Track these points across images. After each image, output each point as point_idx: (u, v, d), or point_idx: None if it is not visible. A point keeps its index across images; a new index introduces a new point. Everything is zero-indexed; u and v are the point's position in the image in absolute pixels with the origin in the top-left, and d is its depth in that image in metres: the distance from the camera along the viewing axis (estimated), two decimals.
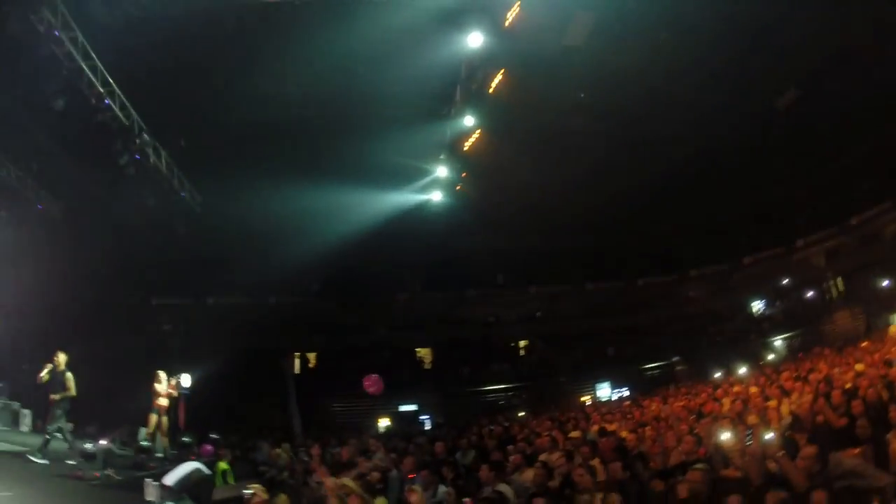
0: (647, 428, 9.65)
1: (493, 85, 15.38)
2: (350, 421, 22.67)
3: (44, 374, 9.88)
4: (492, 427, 14.70)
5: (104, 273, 18.45)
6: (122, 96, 12.53)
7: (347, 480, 6.25)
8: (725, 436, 6.14)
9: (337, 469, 9.74)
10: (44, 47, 11.14)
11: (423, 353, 28.09)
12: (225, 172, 16.52)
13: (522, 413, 22.45)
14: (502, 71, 15.08)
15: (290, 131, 16.27)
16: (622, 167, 20.31)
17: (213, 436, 13.35)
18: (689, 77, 16.38)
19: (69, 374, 9.87)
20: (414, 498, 5.98)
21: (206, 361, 16.81)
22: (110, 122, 12.48)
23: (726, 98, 17.35)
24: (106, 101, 12.02)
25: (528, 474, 7.06)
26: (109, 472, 8.89)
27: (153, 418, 11.39)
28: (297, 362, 26.21)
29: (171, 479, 6.85)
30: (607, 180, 20.79)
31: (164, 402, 11.58)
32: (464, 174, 19.45)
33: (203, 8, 11.83)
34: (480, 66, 14.87)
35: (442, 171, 19.25)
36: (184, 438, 12.85)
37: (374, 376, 15.60)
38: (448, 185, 20.00)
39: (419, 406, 25.29)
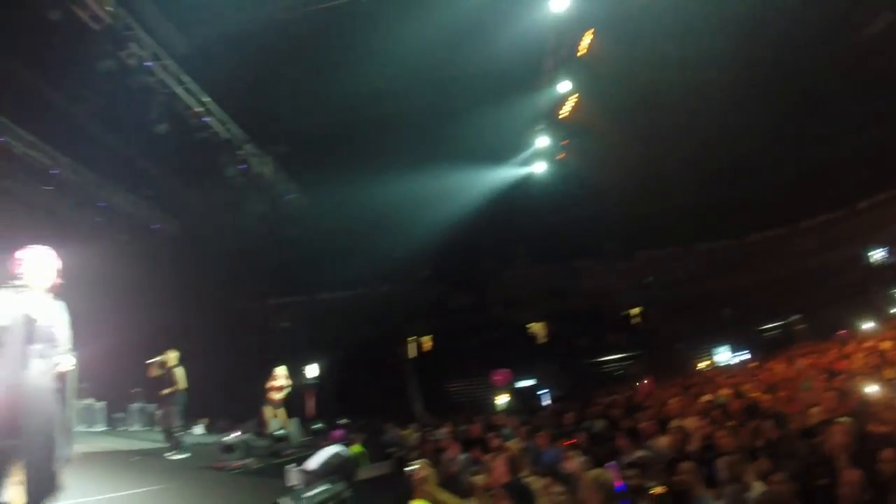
0: (779, 389, 9.24)
1: (583, 47, 15.07)
2: (468, 400, 23.05)
3: (155, 370, 10.58)
4: (615, 396, 14.57)
5: (223, 281, 19.69)
6: (219, 112, 13.38)
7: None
8: (871, 390, 5.77)
9: (468, 445, 9.99)
10: (138, 79, 12.15)
11: (536, 327, 27.91)
12: (328, 171, 17.11)
13: (645, 381, 21.92)
14: (591, 31, 14.74)
15: (387, 122, 16.62)
16: (722, 118, 19.23)
17: (343, 421, 14.04)
18: (792, 17, 15.34)
19: (179, 369, 10.41)
20: (572, 464, 6.00)
21: (327, 353, 17.71)
22: (212, 137, 13.38)
23: (831, 31, 16.17)
24: (204, 119, 12.90)
25: (664, 440, 6.98)
26: (249, 461, 9.56)
27: (268, 411, 11.91)
28: (412, 346, 26.87)
29: (313, 463, 7.15)
30: (706, 134, 19.76)
31: (277, 395, 12.01)
32: (564, 142, 19.16)
33: (285, 8, 12.36)
34: (568, 29, 14.56)
35: (542, 142, 18.98)
36: (315, 425, 13.59)
37: (505, 371, 15.82)
38: (549, 155, 19.73)
39: (536, 381, 25.21)
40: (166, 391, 10.38)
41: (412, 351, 26.56)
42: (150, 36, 11.74)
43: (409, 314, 25.45)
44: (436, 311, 26.08)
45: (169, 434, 10.44)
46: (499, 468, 6.33)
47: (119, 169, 15.39)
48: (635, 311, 29.11)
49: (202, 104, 12.95)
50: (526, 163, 19.90)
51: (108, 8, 11.17)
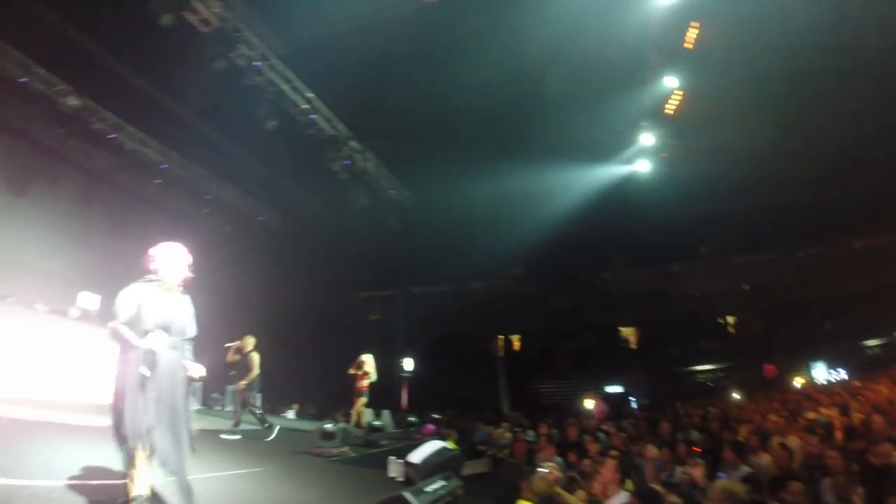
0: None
1: (690, 40, 14.45)
2: (556, 402, 22.72)
3: (231, 355, 10.83)
4: (710, 408, 14.09)
5: (319, 272, 20.26)
6: (324, 108, 13.82)
7: None
8: None
9: (564, 448, 9.83)
10: (246, 78, 12.69)
11: (627, 332, 27.19)
12: (428, 166, 17.30)
13: (737, 395, 20.86)
14: (697, 24, 14.17)
15: (487, 117, 16.52)
16: (831, 110, 17.80)
17: (435, 416, 14.14)
18: None
19: (255, 355, 10.60)
20: (697, 471, 5.98)
21: (417, 347, 17.92)
22: (317, 134, 13.84)
23: None
24: (311, 116, 13.36)
25: (766, 457, 6.80)
26: (346, 449, 9.72)
27: (359, 401, 11.78)
28: (503, 345, 26.73)
29: (416, 456, 7.20)
30: (813, 129, 18.44)
31: (362, 383, 11.83)
32: (667, 140, 18.29)
33: (385, 5, 12.55)
34: (673, 22, 14.09)
35: (646, 139, 18.24)
36: (409, 418, 13.73)
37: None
38: (653, 154, 18.98)
39: (624, 387, 24.50)
40: (243, 383, 10.59)
41: (502, 349, 26.48)
42: (256, 37, 12.21)
43: (500, 312, 25.28)
44: (527, 311, 25.77)
45: (258, 418, 10.71)
46: (607, 474, 6.16)
47: (225, 164, 16.27)
48: (731, 318, 27.85)
49: (308, 101, 13.43)
50: (629, 161, 19.16)
51: (215, 11, 11.71)
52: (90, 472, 5.32)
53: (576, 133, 16.97)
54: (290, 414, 16.47)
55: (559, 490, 5.47)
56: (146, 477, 4.01)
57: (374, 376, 11.77)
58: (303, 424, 13.27)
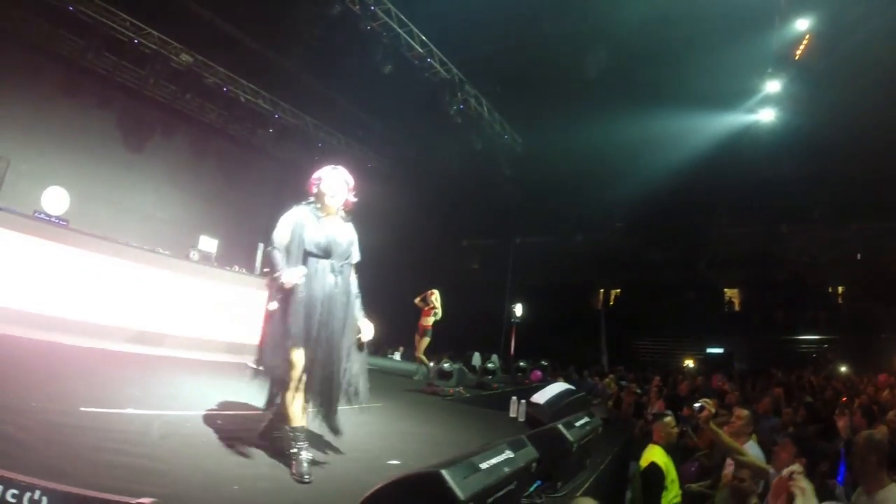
0: None
1: None
2: (654, 360, 22.21)
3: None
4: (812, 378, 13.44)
5: (423, 219, 20.46)
6: (440, 54, 13.79)
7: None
8: None
9: (674, 403, 9.60)
10: (363, 23, 12.70)
11: (731, 293, 26.07)
12: (540, 113, 16.97)
13: (843, 368, 19.63)
14: None
15: (604, 65, 16.01)
16: None
17: (543, 363, 14.14)
18: None
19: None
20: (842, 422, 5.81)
21: (520, 296, 17.93)
22: (433, 78, 13.85)
23: None
24: (428, 60, 13.34)
25: (882, 429, 6.27)
26: (460, 388, 9.83)
27: (424, 341, 11.10)
28: (602, 298, 26.38)
29: (540, 397, 7.14)
30: None
31: (427, 319, 11.10)
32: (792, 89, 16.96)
33: None
34: None
35: (772, 87, 16.96)
36: (520, 363, 13.77)
37: None
38: (777, 102, 17.66)
39: (724, 350, 23.62)
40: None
41: (604, 303, 26.09)
42: None
43: (601, 265, 24.83)
44: (629, 265, 25.14)
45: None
46: (739, 424, 5.96)
47: (334, 113, 16.61)
48: (840, 288, 25.98)
49: (424, 45, 13.42)
50: (750, 110, 17.93)
51: None
52: (221, 404, 5.54)
53: (695, 80, 16.09)
54: (397, 356, 17.12)
55: (714, 427, 5.25)
56: (295, 412, 3.85)
57: (440, 314, 11.19)
58: (407, 366, 13.55)
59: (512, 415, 8.08)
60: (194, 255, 12.94)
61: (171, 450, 3.72)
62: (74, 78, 14.23)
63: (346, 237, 4.14)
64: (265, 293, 11.99)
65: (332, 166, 4.25)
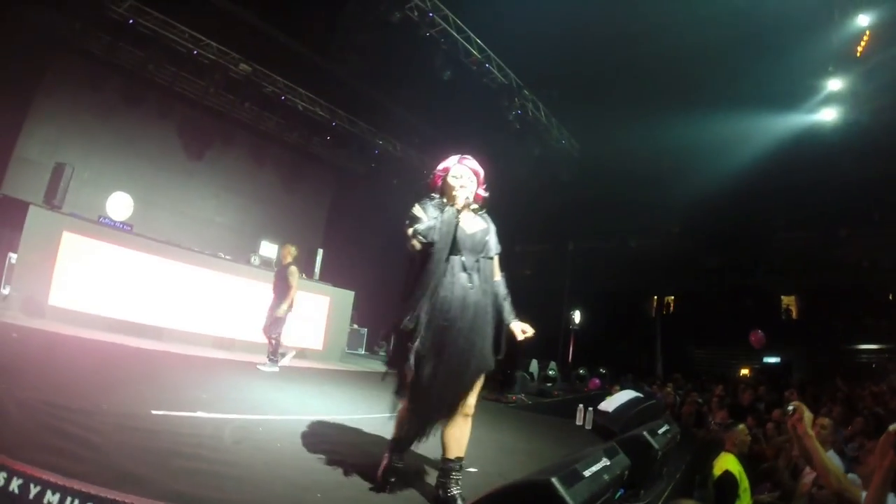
0: None
1: None
2: (710, 369, 21.72)
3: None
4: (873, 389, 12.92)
5: None
6: (497, 59, 13.89)
7: None
8: None
9: (737, 413, 9.45)
10: (421, 30, 12.87)
11: (788, 300, 25.32)
12: (598, 118, 16.81)
13: None
14: None
15: (660, 66, 15.64)
16: None
17: (602, 370, 14.05)
18: None
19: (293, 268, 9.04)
20: None
21: (571, 304, 17.79)
22: (491, 83, 13.97)
23: None
24: (486, 66, 13.46)
25: None
26: (522, 395, 9.84)
27: None
28: (657, 305, 25.99)
29: (609, 405, 7.10)
30: None
31: None
32: (855, 87, 15.93)
33: None
34: None
35: (833, 85, 16.16)
36: (580, 371, 13.71)
37: (760, 333, 14.81)
38: (839, 101, 16.79)
39: (781, 359, 22.96)
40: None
41: (658, 310, 25.70)
42: None
43: (656, 271, 24.43)
44: (684, 271, 24.58)
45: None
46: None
47: (390, 120, 16.86)
48: None
49: (483, 51, 13.54)
50: (811, 111, 17.37)
51: None
52: (291, 408, 5.61)
53: (754, 81, 15.71)
54: None
55: (809, 431, 5.09)
56: (413, 422, 3.42)
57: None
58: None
59: (578, 423, 8.07)
60: (255, 259, 13.23)
61: (247, 455, 3.73)
62: (135, 88, 14.76)
63: (481, 229, 3.69)
64: (327, 298, 12.26)
65: (459, 156, 3.87)
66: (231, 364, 8.34)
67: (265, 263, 13.25)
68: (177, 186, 15.55)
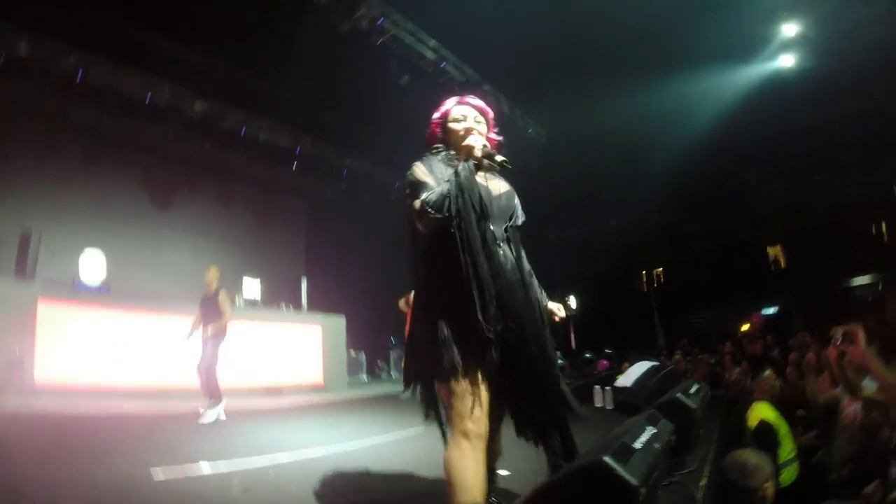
0: None
1: None
2: (710, 331, 21.76)
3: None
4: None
5: None
6: (454, 58, 13.74)
7: None
8: None
9: (754, 364, 9.39)
10: (373, 37, 12.73)
11: (774, 251, 25.42)
12: (560, 103, 16.77)
13: None
14: None
15: (613, 42, 15.48)
16: None
17: (608, 351, 13.93)
18: None
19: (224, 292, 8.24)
20: None
21: (563, 290, 17.71)
22: (449, 83, 13.81)
23: None
24: (442, 65, 13.32)
25: None
26: None
27: None
28: (648, 279, 25.97)
29: (626, 380, 6.91)
30: None
31: None
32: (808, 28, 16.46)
33: None
34: None
35: (788, 30, 16.41)
36: (585, 355, 13.55)
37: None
38: (796, 45, 17.19)
39: (779, 308, 23.05)
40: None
41: (649, 283, 25.70)
42: None
43: (640, 246, 24.48)
44: (668, 241, 24.75)
45: None
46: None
47: (355, 138, 16.59)
48: (884, 226, 25.14)
49: (434, 50, 13.41)
50: (770, 58, 17.39)
51: None
52: (298, 446, 5.37)
53: (709, 38, 15.65)
54: None
55: (872, 352, 4.74)
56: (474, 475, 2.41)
57: None
58: None
59: (598, 404, 7.88)
60: (239, 300, 12.99)
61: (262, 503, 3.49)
62: (94, 145, 14.40)
63: (502, 186, 3.01)
64: (318, 326, 11.94)
65: (458, 96, 3.15)
66: (228, 410, 8.00)
67: (249, 303, 13.01)
68: (149, 238, 15.13)
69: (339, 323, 13.36)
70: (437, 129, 3.09)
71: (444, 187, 2.64)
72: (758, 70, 17.59)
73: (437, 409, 2.74)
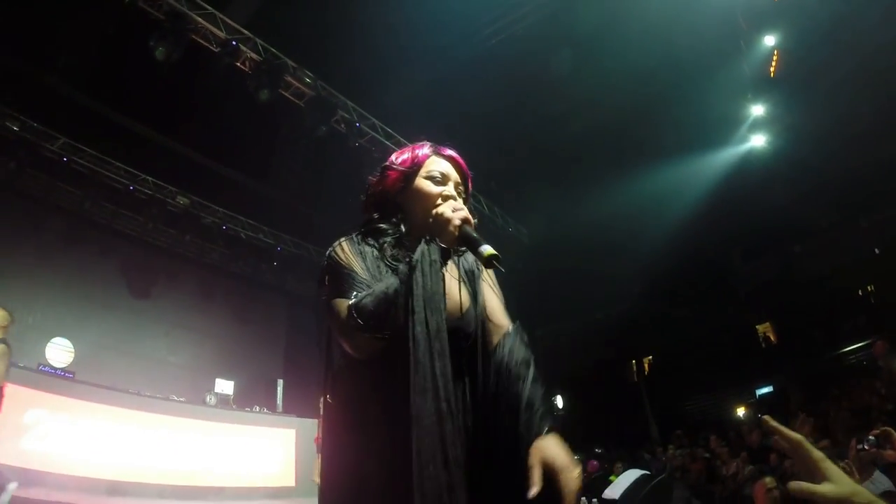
0: None
1: None
2: (706, 416, 21.31)
3: None
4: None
5: None
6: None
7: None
8: None
9: (756, 456, 9.18)
10: (350, 140, 12.90)
11: (764, 327, 25.17)
12: (540, 201, 16.93)
13: None
14: None
15: (589, 138, 15.95)
16: None
17: (598, 450, 13.53)
18: None
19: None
20: None
21: (553, 387, 17.32)
22: None
23: None
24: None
25: None
26: None
27: None
28: (638, 368, 25.58)
29: (613, 491, 6.60)
30: None
31: None
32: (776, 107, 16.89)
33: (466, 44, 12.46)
34: None
35: (757, 110, 16.79)
36: (574, 457, 13.10)
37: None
38: (765, 125, 17.48)
39: (774, 387, 22.59)
40: None
41: (639, 373, 25.28)
42: (350, 100, 12.40)
43: (628, 336, 24.13)
44: (656, 329, 24.36)
45: None
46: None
47: (333, 238, 16.55)
48: (871, 287, 24.81)
49: (391, 136, 13.63)
50: (742, 140, 17.75)
51: (308, 80, 11.96)
52: None
53: (682, 127, 16.05)
54: None
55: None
56: None
57: None
58: None
59: None
60: (211, 399, 12.74)
61: None
62: (75, 228, 14.35)
63: (471, 291, 2.10)
64: (292, 430, 11.71)
65: (429, 143, 2.28)
66: None
67: (222, 401, 12.75)
68: (124, 327, 14.78)
69: (313, 427, 13.05)
70: (395, 183, 2.13)
71: (388, 287, 1.80)
72: (730, 153, 17.99)
73: None
